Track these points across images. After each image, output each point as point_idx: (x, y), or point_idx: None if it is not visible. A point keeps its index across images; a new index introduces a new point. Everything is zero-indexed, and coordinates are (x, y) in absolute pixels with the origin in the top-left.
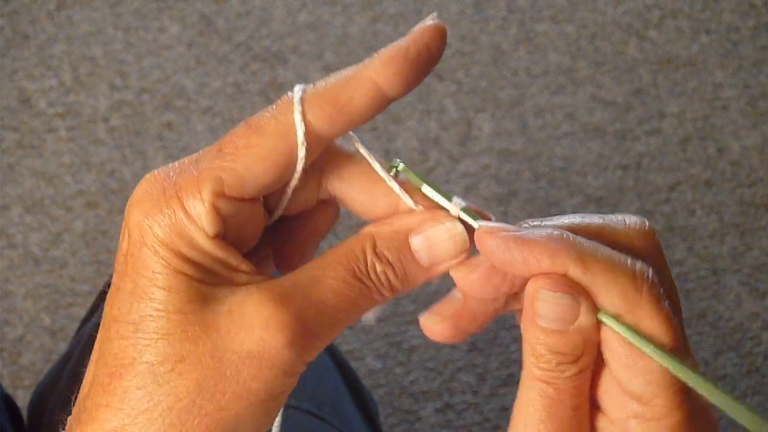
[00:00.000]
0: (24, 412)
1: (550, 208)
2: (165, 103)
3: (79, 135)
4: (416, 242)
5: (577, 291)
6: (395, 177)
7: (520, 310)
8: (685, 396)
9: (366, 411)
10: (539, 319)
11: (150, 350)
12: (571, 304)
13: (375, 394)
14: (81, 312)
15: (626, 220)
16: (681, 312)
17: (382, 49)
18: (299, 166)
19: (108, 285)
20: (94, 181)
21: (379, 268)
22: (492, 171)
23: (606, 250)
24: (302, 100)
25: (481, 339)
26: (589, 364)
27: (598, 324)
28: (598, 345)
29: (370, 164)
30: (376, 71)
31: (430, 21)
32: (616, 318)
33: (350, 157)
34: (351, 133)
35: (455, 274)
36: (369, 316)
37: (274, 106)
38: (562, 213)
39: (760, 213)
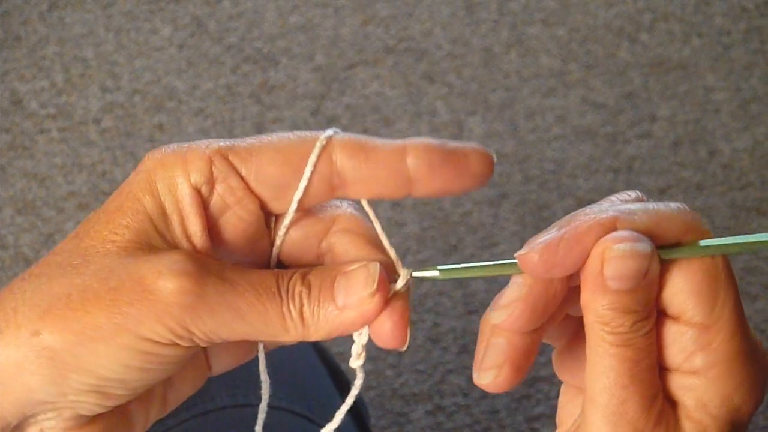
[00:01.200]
0: None
1: (541, 211)
2: (156, 105)
3: (71, 136)
4: (339, 281)
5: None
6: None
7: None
8: (744, 322)
9: (356, 413)
10: (611, 282)
11: (69, 252)
12: (647, 252)
13: (365, 397)
14: None
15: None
16: None
17: None
18: (309, 165)
19: None
20: (85, 183)
21: (298, 288)
22: None
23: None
24: (334, 134)
25: (471, 341)
26: (654, 316)
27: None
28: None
29: (374, 234)
30: (411, 142)
31: (486, 148)
32: (677, 245)
33: (362, 223)
34: (364, 201)
35: (493, 319)
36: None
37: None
38: (553, 216)
39: (751, 216)
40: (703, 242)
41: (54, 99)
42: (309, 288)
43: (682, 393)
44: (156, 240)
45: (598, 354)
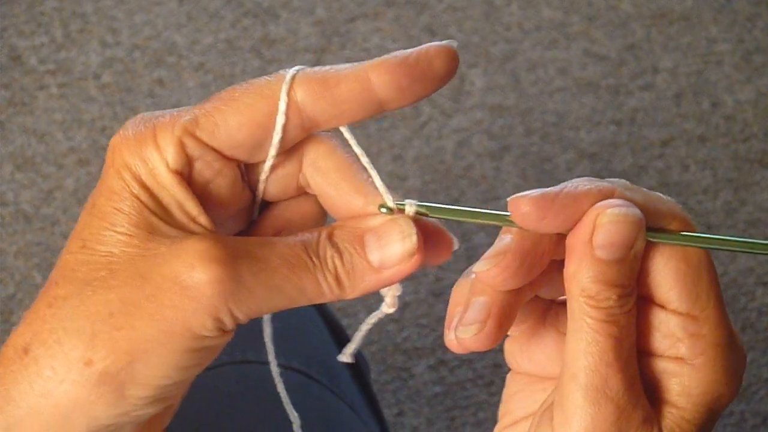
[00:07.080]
0: None
1: (543, 163)
2: (156, 60)
3: (71, 92)
4: (369, 240)
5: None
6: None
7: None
8: (726, 312)
9: (356, 369)
10: (599, 251)
11: (89, 264)
12: (638, 220)
13: (367, 352)
14: None
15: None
16: None
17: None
18: (278, 129)
19: None
20: (85, 138)
21: (329, 252)
22: (485, 126)
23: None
24: (294, 75)
25: None
26: (636, 295)
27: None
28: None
29: (347, 162)
30: (372, 67)
31: (445, 42)
32: (661, 230)
33: (332, 151)
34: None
35: (477, 272)
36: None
37: (269, 75)
38: (555, 168)
39: (754, 168)
40: (687, 233)
41: (53, 55)
42: (340, 252)
43: (665, 378)
44: (169, 229)
45: (581, 330)
